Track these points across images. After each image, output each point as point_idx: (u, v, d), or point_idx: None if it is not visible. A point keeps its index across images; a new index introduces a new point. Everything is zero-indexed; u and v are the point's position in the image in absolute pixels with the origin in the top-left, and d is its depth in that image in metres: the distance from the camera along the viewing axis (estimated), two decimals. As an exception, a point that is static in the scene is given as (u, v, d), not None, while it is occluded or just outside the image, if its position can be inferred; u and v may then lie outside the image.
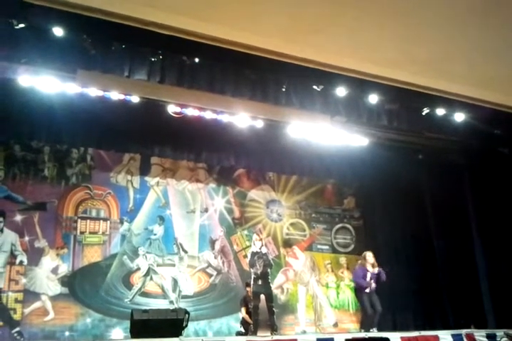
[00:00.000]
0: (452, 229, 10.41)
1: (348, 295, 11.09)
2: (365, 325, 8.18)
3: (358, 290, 8.31)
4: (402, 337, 6.76)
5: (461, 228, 10.22)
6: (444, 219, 10.59)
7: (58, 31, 6.02)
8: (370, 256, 8.25)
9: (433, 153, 10.63)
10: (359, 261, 8.60)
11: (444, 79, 7.07)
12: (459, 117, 8.47)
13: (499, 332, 7.41)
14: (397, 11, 5.64)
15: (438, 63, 6.68)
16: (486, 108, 7.78)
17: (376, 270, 8.10)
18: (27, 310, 8.26)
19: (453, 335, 7.15)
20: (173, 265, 9.64)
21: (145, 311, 6.34)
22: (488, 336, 7.33)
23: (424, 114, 8.46)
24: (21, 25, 5.88)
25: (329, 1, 5.44)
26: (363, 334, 7.05)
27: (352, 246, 11.54)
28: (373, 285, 8.05)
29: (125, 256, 9.28)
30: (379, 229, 11.26)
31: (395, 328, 9.79)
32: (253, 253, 7.23)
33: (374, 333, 7.37)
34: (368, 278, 8.03)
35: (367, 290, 8.02)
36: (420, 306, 10.58)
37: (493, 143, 9.60)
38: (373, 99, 7.94)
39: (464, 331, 7.30)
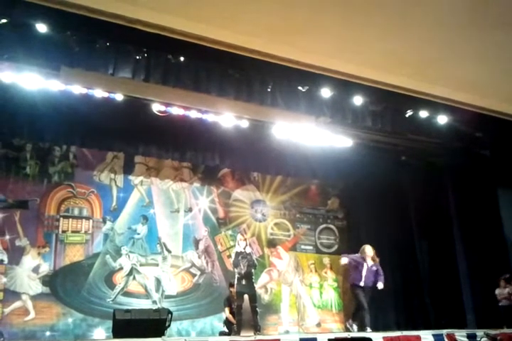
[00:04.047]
0: (434, 229, 10.54)
1: (331, 296, 11.14)
2: (360, 322, 7.84)
3: (353, 285, 7.96)
4: (384, 337, 6.77)
5: (442, 228, 10.35)
6: (426, 220, 10.71)
7: (42, 27, 5.95)
8: (369, 249, 8.01)
9: (416, 155, 10.74)
10: (358, 254, 8.16)
11: (427, 81, 7.17)
12: (442, 120, 8.58)
13: (479, 332, 7.48)
14: (383, 15, 5.70)
15: (422, 66, 6.77)
16: (468, 111, 7.91)
17: (374, 267, 7.88)
18: (7, 310, 8.13)
19: (434, 335, 7.20)
20: (157, 264, 9.57)
21: (127, 311, 6.28)
22: (468, 336, 7.38)
23: (407, 116, 8.55)
24: (3, 21, 5.81)
25: (316, 3, 5.48)
26: (345, 334, 7.06)
27: (335, 247, 11.60)
28: (369, 280, 7.77)
29: (108, 256, 9.19)
30: (362, 230, 11.30)
31: (377, 328, 9.85)
32: (237, 253, 7.21)
33: (356, 333, 7.37)
34: (364, 272, 7.81)
35: (361, 284, 7.77)
36: (402, 306, 10.67)
37: (474, 145, 9.76)
38: (358, 100, 7.98)
39: (444, 331, 7.36)
